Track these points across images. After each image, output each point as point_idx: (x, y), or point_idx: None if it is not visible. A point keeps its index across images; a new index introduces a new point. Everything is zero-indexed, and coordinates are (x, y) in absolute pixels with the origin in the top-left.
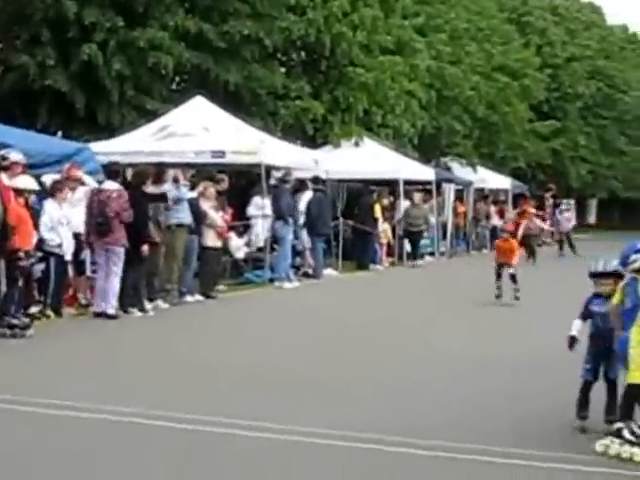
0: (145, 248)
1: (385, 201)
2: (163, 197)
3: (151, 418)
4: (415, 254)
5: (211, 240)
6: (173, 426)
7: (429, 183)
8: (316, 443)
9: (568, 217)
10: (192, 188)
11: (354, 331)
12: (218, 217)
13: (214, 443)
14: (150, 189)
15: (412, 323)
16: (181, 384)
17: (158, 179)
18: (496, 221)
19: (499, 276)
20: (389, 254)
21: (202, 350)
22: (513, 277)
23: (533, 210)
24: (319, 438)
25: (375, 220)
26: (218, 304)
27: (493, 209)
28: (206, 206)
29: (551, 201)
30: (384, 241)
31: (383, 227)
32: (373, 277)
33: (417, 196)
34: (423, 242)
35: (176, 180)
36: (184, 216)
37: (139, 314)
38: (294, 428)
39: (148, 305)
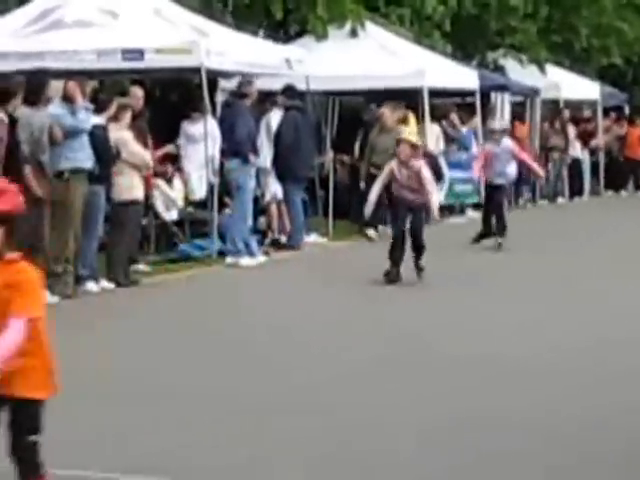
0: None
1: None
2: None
3: None
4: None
5: (127, 191)
6: None
7: (470, 94)
8: None
9: None
10: (97, 111)
11: (355, 344)
12: (146, 152)
13: None
14: (22, 112)
15: (441, 330)
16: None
17: (35, 97)
18: (579, 151)
19: None
20: None
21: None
22: None
23: None
24: None
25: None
26: (136, 295)
27: (573, 132)
28: (125, 136)
29: None
30: None
31: None
32: (383, 248)
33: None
34: (461, 189)
35: (69, 98)
36: (83, 156)
37: None
38: None
39: None
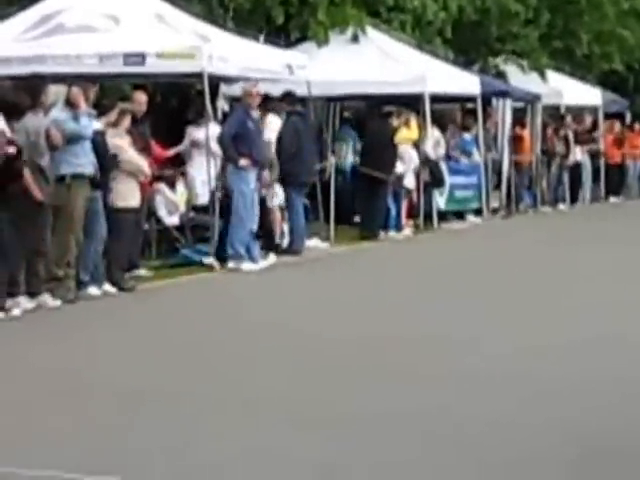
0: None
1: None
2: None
3: None
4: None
5: (125, 197)
6: None
7: (471, 99)
8: None
9: None
10: (99, 116)
11: (358, 349)
12: (142, 160)
13: None
14: (26, 118)
15: (455, 339)
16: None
17: (34, 100)
18: (579, 156)
19: None
20: (410, 213)
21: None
22: None
23: None
24: None
25: (391, 159)
26: (137, 300)
27: (574, 138)
28: (120, 143)
29: None
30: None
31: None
32: (386, 253)
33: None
34: (462, 194)
35: (72, 104)
36: (85, 162)
37: None
38: None
39: (26, 301)
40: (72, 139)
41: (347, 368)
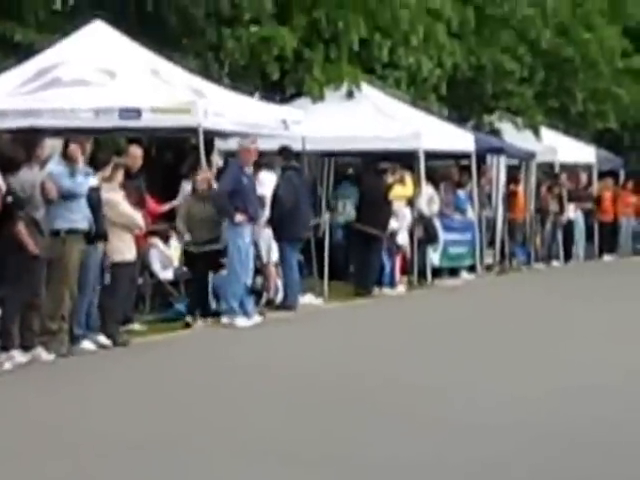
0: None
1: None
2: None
3: None
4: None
5: (121, 251)
6: None
7: (466, 156)
8: None
9: None
10: (94, 169)
11: (353, 404)
12: (136, 213)
13: None
14: (22, 171)
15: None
16: None
17: (29, 154)
18: (572, 214)
19: None
20: (404, 270)
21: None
22: None
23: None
24: None
25: (385, 216)
26: (130, 354)
27: (568, 196)
28: (114, 197)
29: None
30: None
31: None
32: (380, 309)
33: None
34: (456, 251)
35: (69, 158)
36: (79, 217)
37: None
38: None
39: (20, 355)
40: (67, 195)
41: (339, 414)
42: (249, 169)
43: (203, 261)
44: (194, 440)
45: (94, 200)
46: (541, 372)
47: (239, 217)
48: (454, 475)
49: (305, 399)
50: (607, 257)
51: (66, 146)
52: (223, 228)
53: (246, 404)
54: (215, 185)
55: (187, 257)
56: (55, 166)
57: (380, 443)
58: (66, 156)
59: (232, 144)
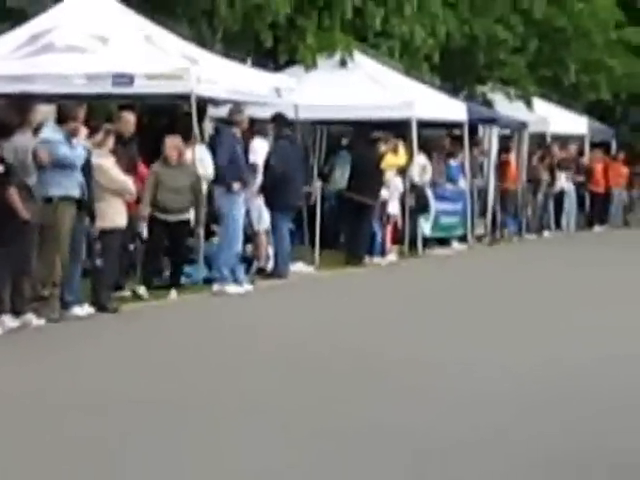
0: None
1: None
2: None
3: None
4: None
5: (112, 218)
6: None
7: (458, 125)
8: None
9: None
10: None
11: (341, 372)
12: (127, 179)
13: None
14: (14, 137)
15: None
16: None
17: (22, 119)
18: (564, 184)
19: None
20: (395, 239)
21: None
22: None
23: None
24: None
25: (377, 185)
26: (121, 320)
27: (559, 165)
28: (104, 163)
29: None
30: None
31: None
32: (371, 277)
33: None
34: (448, 221)
35: (72, 133)
36: (73, 184)
37: None
38: None
39: (10, 320)
40: (62, 163)
41: (331, 380)
42: (239, 134)
43: (175, 230)
44: (185, 402)
45: (85, 165)
46: (534, 341)
47: (236, 186)
48: (449, 442)
49: (294, 366)
50: (597, 228)
51: (60, 112)
52: (215, 196)
53: (235, 369)
54: (186, 153)
55: (157, 225)
56: (51, 133)
57: (371, 411)
58: (61, 122)
59: (225, 111)
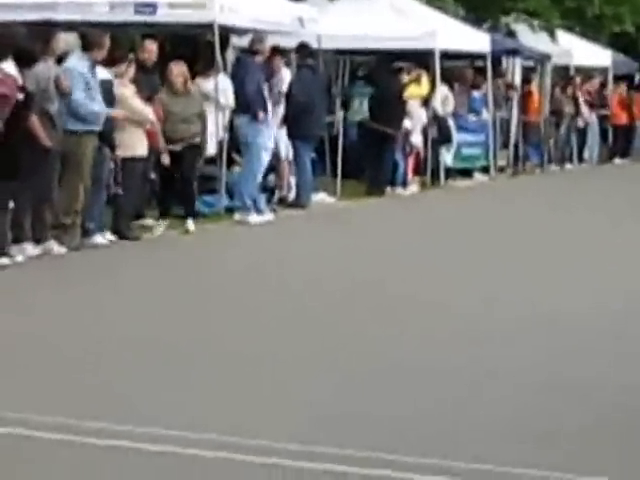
0: None
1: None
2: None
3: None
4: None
5: (132, 147)
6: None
7: (481, 57)
8: None
9: None
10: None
11: (360, 303)
12: (147, 108)
13: None
14: (37, 64)
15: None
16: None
17: (45, 48)
18: (587, 116)
19: None
20: (417, 170)
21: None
22: None
23: None
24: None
25: (400, 115)
26: (142, 249)
27: (583, 98)
28: (125, 92)
29: None
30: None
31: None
32: (392, 208)
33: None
34: (470, 152)
35: (93, 60)
36: (95, 117)
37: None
38: None
39: (31, 248)
40: (87, 88)
41: (348, 316)
42: (264, 66)
43: (185, 159)
44: (200, 343)
45: (108, 93)
46: (559, 278)
47: (262, 115)
48: (458, 380)
49: (311, 298)
50: (618, 160)
51: (85, 40)
52: (239, 125)
53: (254, 302)
54: (191, 82)
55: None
56: (77, 61)
57: (384, 349)
58: (86, 50)
59: (247, 41)
